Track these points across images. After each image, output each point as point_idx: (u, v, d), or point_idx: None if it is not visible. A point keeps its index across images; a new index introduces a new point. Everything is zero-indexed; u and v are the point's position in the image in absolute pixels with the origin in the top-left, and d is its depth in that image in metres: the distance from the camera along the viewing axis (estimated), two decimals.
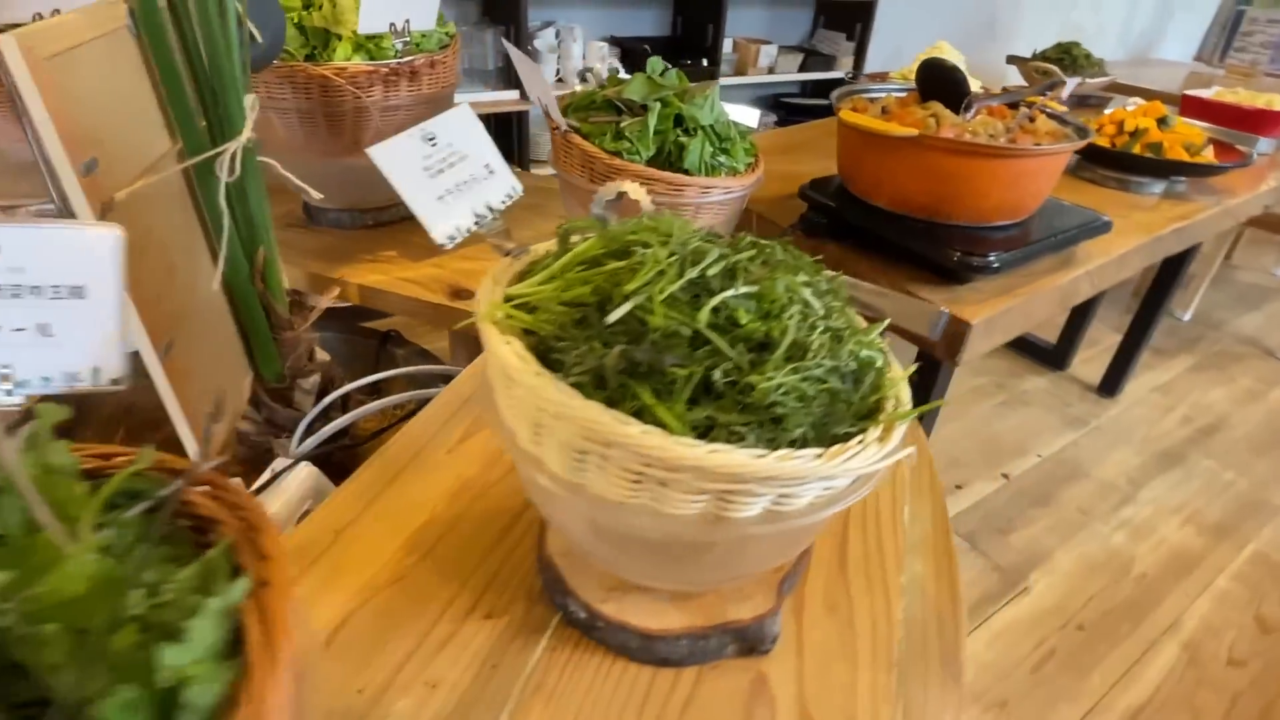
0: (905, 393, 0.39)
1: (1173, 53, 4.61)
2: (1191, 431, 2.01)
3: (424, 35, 0.88)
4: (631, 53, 2.42)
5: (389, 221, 0.97)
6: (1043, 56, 1.93)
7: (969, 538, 1.59)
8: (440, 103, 0.92)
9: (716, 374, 0.33)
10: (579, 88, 0.82)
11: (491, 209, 0.47)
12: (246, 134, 0.57)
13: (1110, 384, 2.13)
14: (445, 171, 0.45)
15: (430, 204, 0.44)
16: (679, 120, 0.76)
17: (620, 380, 0.33)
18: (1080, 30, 4.04)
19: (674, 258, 0.36)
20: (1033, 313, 0.93)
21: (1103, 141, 1.30)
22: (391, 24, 0.80)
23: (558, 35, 2.26)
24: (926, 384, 1.13)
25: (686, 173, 0.74)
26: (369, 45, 0.82)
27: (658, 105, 0.74)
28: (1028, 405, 2.06)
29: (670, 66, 0.79)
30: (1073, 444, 1.92)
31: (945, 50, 1.52)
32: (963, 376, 2.14)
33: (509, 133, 2.31)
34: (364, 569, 0.48)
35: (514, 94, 2.17)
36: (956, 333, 0.82)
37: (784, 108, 3.02)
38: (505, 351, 0.34)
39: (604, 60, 2.33)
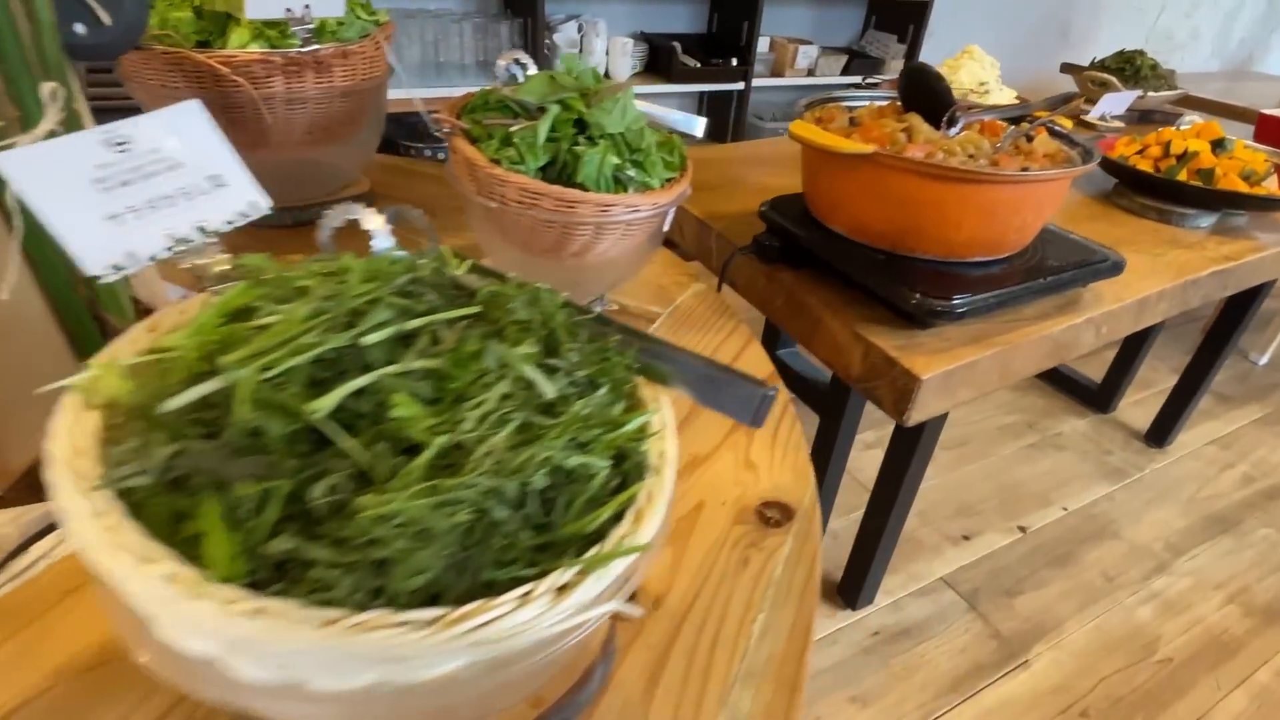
0: (653, 514, 0.29)
1: (1279, 66, 4.20)
2: (1251, 493, 1.78)
3: (340, 23, 0.81)
4: (659, 50, 2.31)
5: (309, 221, 0.90)
6: (1101, 65, 1.73)
7: (969, 597, 1.43)
8: (362, 96, 0.85)
9: (318, 489, 0.24)
10: (495, 86, 0.73)
11: (206, 231, 0.39)
12: (46, 126, 0.51)
13: (1160, 432, 1.91)
14: (133, 184, 0.38)
15: (90, 224, 0.36)
16: (584, 127, 0.66)
17: (190, 490, 0.24)
18: (1170, 38, 3.70)
19: (320, 318, 0.27)
20: (1014, 365, 0.79)
21: (1145, 165, 1.13)
22: (288, 9, 0.73)
23: (580, 30, 2.18)
24: (909, 443, 1.01)
25: (583, 187, 0.64)
26: (271, 33, 0.76)
27: (555, 108, 0.65)
28: (1060, 450, 1.87)
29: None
30: (1107, 498, 1.72)
31: (976, 56, 1.37)
32: (989, 413, 1.96)
33: None
34: (70, 645, 0.41)
35: None
36: (904, 388, 0.70)
37: None
38: (60, 430, 0.25)
39: (628, 56, 2.24)
